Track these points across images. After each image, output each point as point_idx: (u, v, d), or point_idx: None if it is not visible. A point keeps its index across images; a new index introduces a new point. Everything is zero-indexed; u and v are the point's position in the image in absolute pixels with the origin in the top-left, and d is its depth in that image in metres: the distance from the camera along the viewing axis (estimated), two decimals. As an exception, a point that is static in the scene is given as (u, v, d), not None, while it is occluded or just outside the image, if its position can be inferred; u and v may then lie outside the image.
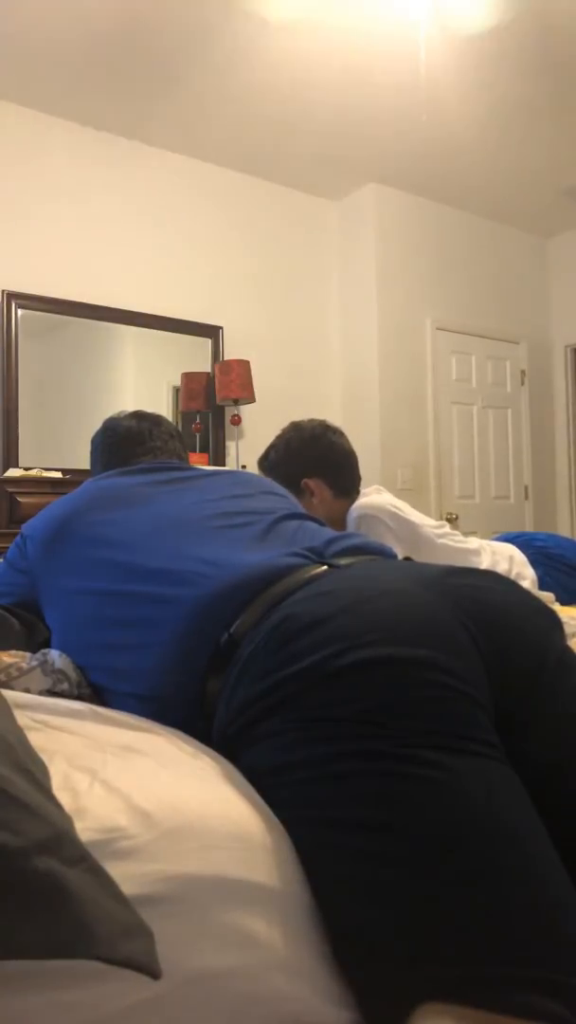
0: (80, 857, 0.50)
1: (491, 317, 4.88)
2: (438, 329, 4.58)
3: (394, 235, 4.46)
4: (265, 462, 1.90)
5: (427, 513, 4.41)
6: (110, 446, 1.44)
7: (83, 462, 1.96)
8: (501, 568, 1.82)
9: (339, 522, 1.85)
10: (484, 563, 1.82)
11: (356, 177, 4.33)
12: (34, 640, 1.12)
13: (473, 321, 4.77)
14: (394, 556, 1.02)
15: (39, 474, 3.25)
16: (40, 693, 0.92)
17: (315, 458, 1.84)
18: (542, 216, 4.87)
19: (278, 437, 1.90)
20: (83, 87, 3.43)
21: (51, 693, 0.92)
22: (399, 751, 0.65)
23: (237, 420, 4.02)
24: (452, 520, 4.45)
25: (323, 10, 2.93)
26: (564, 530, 4.99)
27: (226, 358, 4.07)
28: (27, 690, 0.92)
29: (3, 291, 3.51)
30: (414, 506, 1.95)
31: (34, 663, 0.95)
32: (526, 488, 4.99)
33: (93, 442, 1.49)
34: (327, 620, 0.75)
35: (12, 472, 3.23)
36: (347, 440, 1.91)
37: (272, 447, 1.90)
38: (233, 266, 4.20)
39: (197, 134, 3.85)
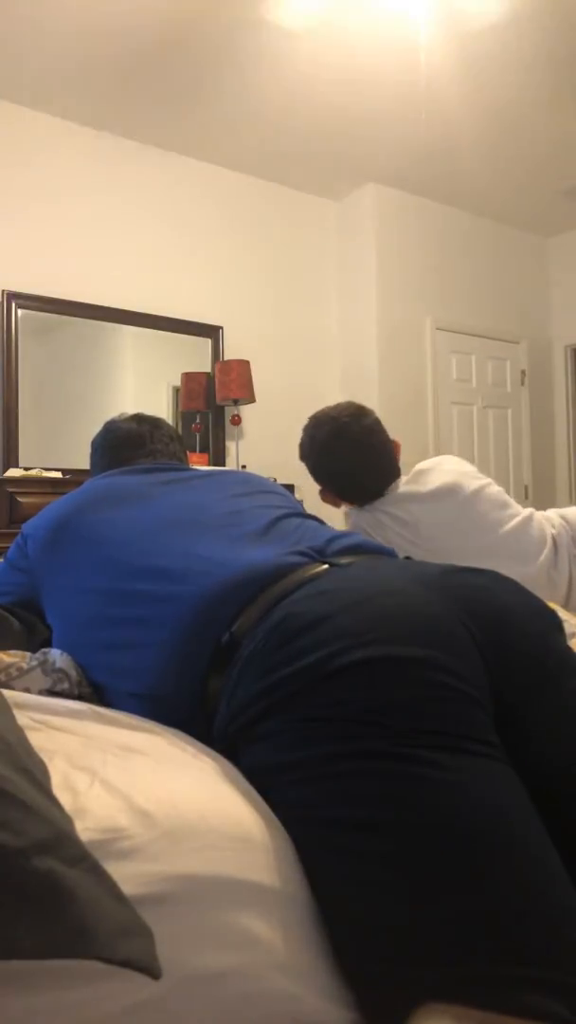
0: (80, 857, 0.50)
1: (491, 317, 4.88)
2: (438, 329, 4.58)
3: (394, 235, 4.46)
4: (300, 452, 1.81)
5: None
6: (110, 448, 1.44)
7: (83, 462, 1.97)
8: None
9: None
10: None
11: (356, 177, 4.33)
12: (34, 640, 1.12)
13: (473, 321, 4.77)
14: (394, 555, 1.02)
15: (39, 474, 3.25)
16: (40, 693, 0.92)
17: (321, 475, 1.76)
18: (542, 216, 4.87)
19: (303, 430, 1.77)
20: (83, 88, 3.43)
21: (51, 693, 0.92)
22: (399, 750, 0.65)
23: (237, 420, 4.02)
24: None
25: (323, 10, 2.93)
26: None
27: (226, 358, 4.07)
28: (27, 690, 0.92)
29: (3, 291, 3.51)
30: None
31: (34, 663, 0.95)
32: (526, 488, 4.99)
33: (93, 444, 1.49)
34: (327, 619, 0.75)
35: (12, 472, 3.23)
36: (360, 446, 1.70)
37: (300, 443, 1.79)
38: (233, 266, 4.20)
39: (197, 134, 3.85)
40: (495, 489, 1.76)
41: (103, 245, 3.79)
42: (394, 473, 1.77)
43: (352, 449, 1.71)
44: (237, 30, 3.04)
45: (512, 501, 1.77)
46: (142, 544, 0.99)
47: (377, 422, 1.76)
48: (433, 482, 1.73)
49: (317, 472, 1.77)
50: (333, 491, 1.78)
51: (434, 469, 1.77)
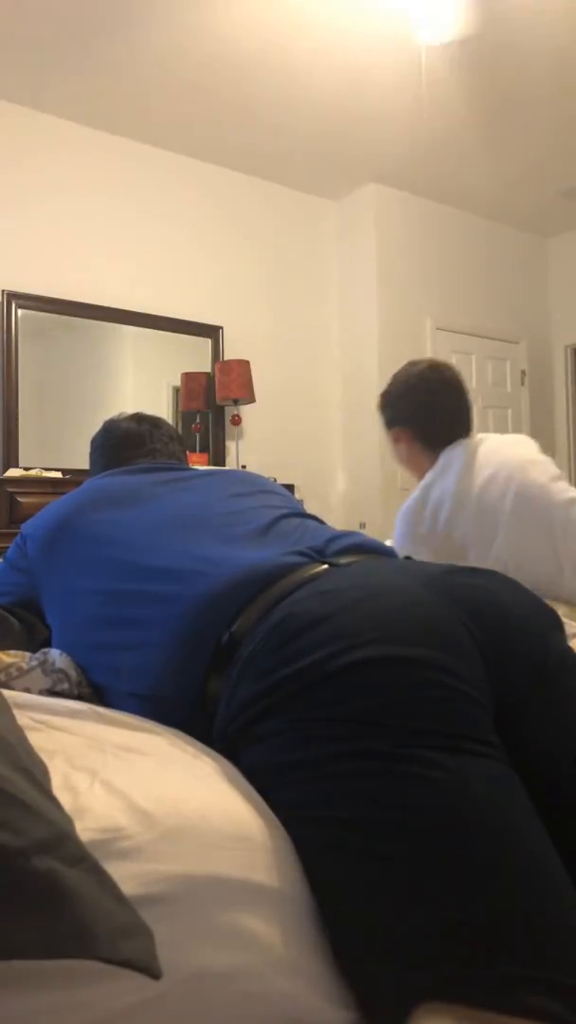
0: (80, 857, 0.50)
1: (491, 317, 4.88)
2: (438, 329, 4.58)
3: (394, 235, 4.46)
4: (381, 400, 1.91)
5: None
6: (109, 447, 1.43)
7: (83, 462, 1.96)
8: None
9: (420, 477, 1.85)
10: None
11: (356, 177, 4.33)
12: (34, 640, 1.12)
13: (473, 321, 4.77)
14: (394, 555, 1.03)
15: (39, 474, 3.25)
16: (40, 693, 0.92)
17: (409, 407, 1.84)
18: (542, 216, 4.87)
19: (392, 377, 1.88)
20: (84, 87, 3.43)
21: (51, 693, 0.92)
22: (399, 751, 0.65)
23: (237, 420, 4.02)
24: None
25: (324, 10, 2.93)
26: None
27: (226, 358, 4.07)
28: (27, 690, 0.92)
29: (3, 291, 3.51)
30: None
31: (34, 663, 0.95)
32: (526, 488, 4.98)
33: (93, 443, 1.49)
34: (327, 619, 0.75)
35: (12, 472, 3.23)
36: (453, 384, 1.84)
37: (384, 391, 1.89)
38: (233, 266, 4.20)
39: (198, 134, 3.85)
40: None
41: (103, 245, 3.79)
42: (468, 425, 1.84)
43: (445, 383, 1.84)
44: (238, 30, 3.04)
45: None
46: (142, 544, 0.99)
47: None
48: (477, 496, 1.69)
49: (404, 406, 1.83)
50: (414, 426, 1.83)
51: (494, 477, 1.71)
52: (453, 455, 1.77)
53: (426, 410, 1.83)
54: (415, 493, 1.80)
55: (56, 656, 0.97)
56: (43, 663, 0.95)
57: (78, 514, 1.10)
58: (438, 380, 1.84)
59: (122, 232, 3.86)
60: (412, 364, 1.87)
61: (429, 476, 1.79)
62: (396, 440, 1.89)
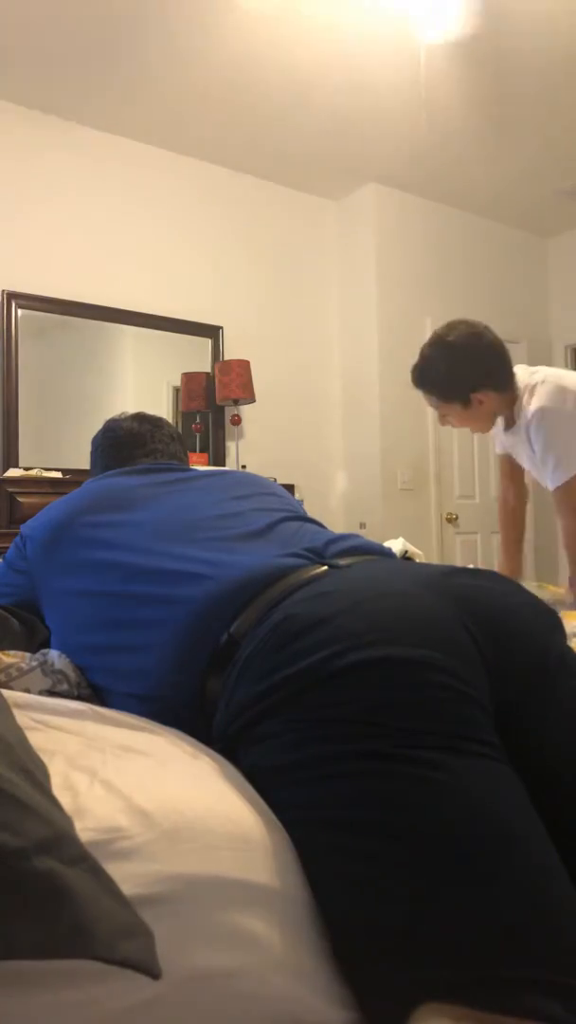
0: (80, 857, 0.50)
1: (491, 317, 4.84)
2: (438, 329, 4.57)
3: (394, 235, 4.45)
4: (421, 381, 1.98)
5: (427, 513, 4.43)
6: (110, 447, 1.43)
7: (83, 462, 1.97)
8: None
9: (509, 417, 2.00)
10: None
11: (356, 177, 4.33)
12: (34, 640, 1.12)
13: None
14: (393, 556, 1.03)
15: (39, 474, 3.25)
16: (40, 693, 0.92)
17: (478, 373, 1.97)
18: (542, 216, 4.86)
19: (430, 350, 1.97)
20: (83, 86, 3.43)
21: (51, 693, 0.93)
22: (399, 752, 0.65)
23: (237, 420, 4.02)
24: (452, 520, 4.45)
25: (325, 10, 2.93)
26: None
27: (226, 358, 4.07)
28: (27, 690, 0.92)
29: (3, 291, 3.51)
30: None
31: (34, 663, 0.95)
32: (526, 487, 4.98)
33: (93, 443, 1.49)
34: (327, 621, 0.75)
35: (12, 472, 3.22)
36: (493, 333, 2.05)
37: (427, 366, 1.97)
38: (233, 266, 4.20)
39: (198, 134, 3.85)
40: None
41: (103, 245, 3.79)
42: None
43: (490, 331, 2.13)
44: (238, 28, 3.04)
45: None
46: (141, 546, 0.99)
47: None
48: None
49: (482, 371, 2.00)
50: (495, 379, 2.02)
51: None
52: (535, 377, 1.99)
53: (495, 361, 2.00)
54: (552, 402, 1.93)
55: (56, 657, 0.97)
56: (43, 663, 0.95)
57: (77, 516, 1.10)
58: (485, 329, 2.03)
59: (122, 232, 3.85)
60: (450, 341, 1.95)
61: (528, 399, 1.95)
62: (477, 402, 1.98)
